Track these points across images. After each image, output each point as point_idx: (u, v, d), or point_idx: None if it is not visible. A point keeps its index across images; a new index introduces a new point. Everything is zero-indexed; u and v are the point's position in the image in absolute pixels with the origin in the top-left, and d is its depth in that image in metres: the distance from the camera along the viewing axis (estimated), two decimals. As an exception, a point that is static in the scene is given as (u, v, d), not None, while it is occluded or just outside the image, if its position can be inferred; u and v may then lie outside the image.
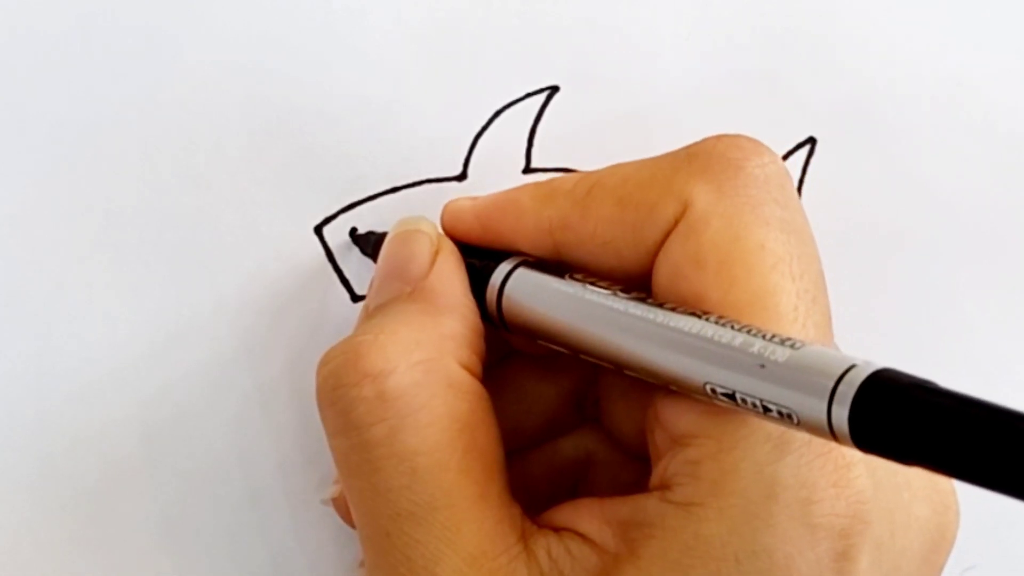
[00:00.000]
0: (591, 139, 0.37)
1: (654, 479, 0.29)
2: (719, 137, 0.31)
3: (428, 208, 0.36)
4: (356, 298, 0.35)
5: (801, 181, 0.38)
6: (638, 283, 0.30)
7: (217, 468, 0.35)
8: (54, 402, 0.34)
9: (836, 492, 0.27)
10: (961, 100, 0.38)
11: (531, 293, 0.30)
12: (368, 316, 0.32)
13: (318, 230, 0.35)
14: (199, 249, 0.35)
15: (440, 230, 0.33)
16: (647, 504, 0.28)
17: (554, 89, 0.37)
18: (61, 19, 0.34)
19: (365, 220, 0.35)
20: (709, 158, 0.30)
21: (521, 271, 0.31)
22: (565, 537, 0.29)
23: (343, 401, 0.29)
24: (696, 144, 0.31)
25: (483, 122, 0.36)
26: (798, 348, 0.26)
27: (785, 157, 0.37)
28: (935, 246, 0.38)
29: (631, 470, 0.32)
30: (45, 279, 0.34)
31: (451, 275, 0.31)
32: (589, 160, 0.37)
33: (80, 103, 0.34)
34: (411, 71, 0.36)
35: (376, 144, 0.36)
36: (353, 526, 0.32)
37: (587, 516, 0.29)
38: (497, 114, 0.36)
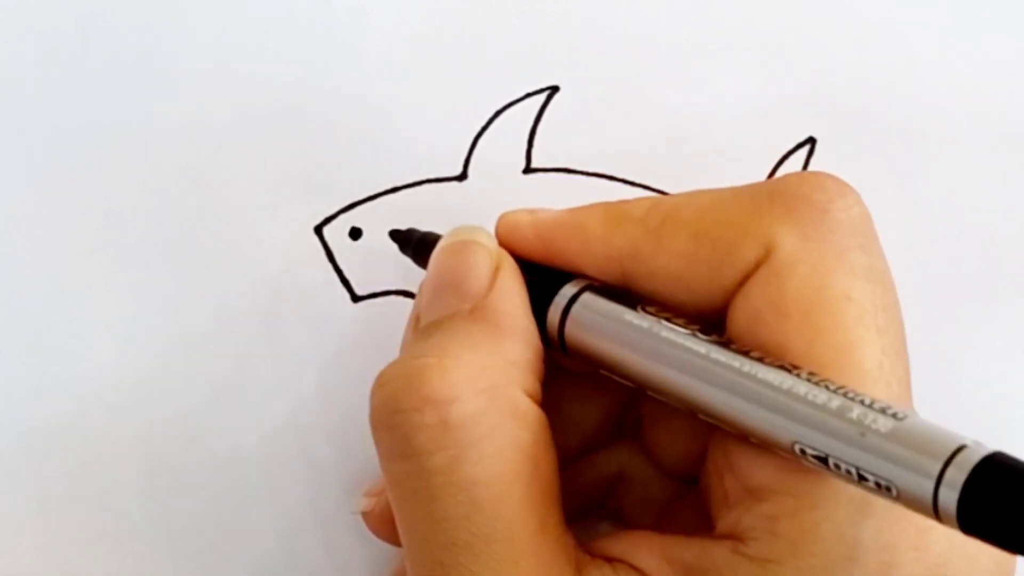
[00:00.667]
0: (591, 139, 0.37)
1: (723, 526, 0.28)
2: (803, 176, 0.30)
3: (428, 208, 0.36)
4: (356, 298, 0.36)
5: (801, 181, 0.38)
6: (709, 321, 0.29)
7: (216, 468, 0.35)
8: (54, 402, 0.34)
9: (916, 556, 0.27)
10: (961, 100, 0.38)
11: (599, 322, 0.29)
12: (424, 333, 0.30)
13: (318, 230, 0.35)
14: (199, 249, 0.35)
15: (497, 242, 0.31)
16: (716, 552, 0.28)
17: (554, 89, 0.37)
18: (62, 20, 0.34)
19: (365, 220, 0.35)
20: (793, 199, 0.29)
21: (588, 296, 0.29)
22: (620, 570, 0.28)
23: (403, 427, 0.28)
24: (778, 181, 0.30)
25: (483, 122, 0.36)
26: (901, 419, 0.25)
27: (785, 157, 0.37)
28: (935, 246, 0.38)
29: (663, 487, 0.32)
30: (45, 279, 0.34)
31: (513, 294, 0.30)
32: (589, 160, 0.37)
33: (80, 103, 0.34)
34: (411, 71, 0.36)
35: (376, 144, 0.36)
36: (385, 540, 0.31)
37: (645, 551, 0.29)
38: (497, 114, 0.36)
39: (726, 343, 0.28)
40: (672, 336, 0.28)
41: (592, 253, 0.30)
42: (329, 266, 0.35)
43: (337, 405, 0.35)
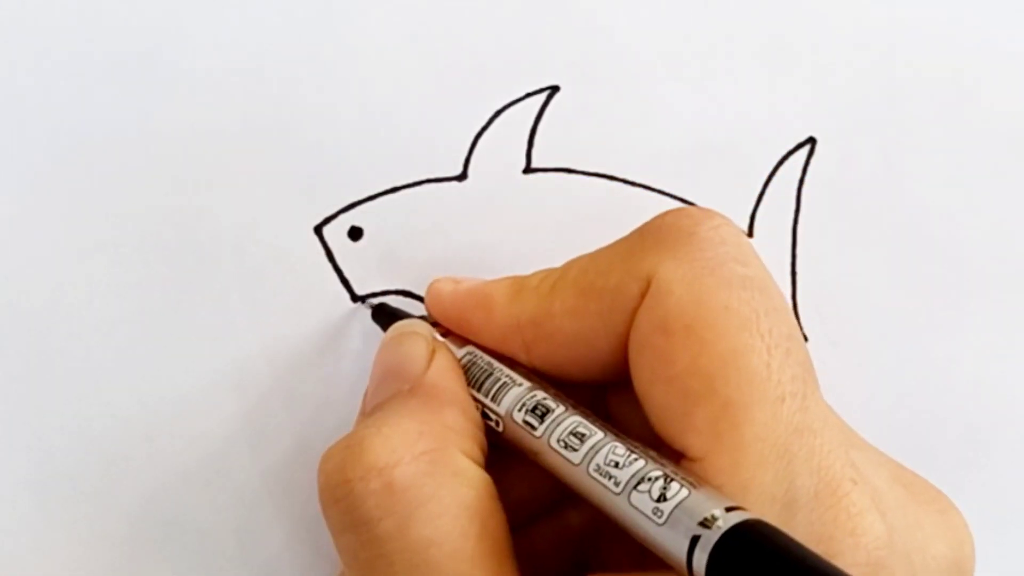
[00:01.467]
0: (591, 139, 0.37)
1: None
2: (667, 211, 0.31)
3: (428, 208, 0.36)
4: (356, 298, 0.36)
5: (801, 181, 0.38)
6: (615, 370, 0.30)
7: (215, 468, 0.35)
8: (54, 402, 0.34)
9: (854, 541, 0.27)
10: (961, 100, 0.38)
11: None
12: (366, 415, 0.31)
13: (318, 230, 0.35)
14: (199, 249, 0.35)
15: (435, 333, 0.33)
16: None
17: (554, 89, 0.37)
18: (62, 19, 0.34)
19: (365, 220, 0.35)
20: (660, 231, 0.30)
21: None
22: None
23: (350, 497, 0.28)
24: (645, 224, 0.31)
25: (483, 122, 0.36)
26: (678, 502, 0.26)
27: (785, 157, 0.38)
28: (935, 246, 0.38)
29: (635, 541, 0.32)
30: (45, 279, 0.34)
31: (448, 371, 0.31)
32: (589, 160, 0.37)
33: (80, 103, 0.34)
34: (411, 71, 0.36)
35: (376, 144, 0.36)
36: None
37: None
38: (497, 114, 0.36)
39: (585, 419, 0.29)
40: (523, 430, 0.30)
41: (495, 324, 0.32)
42: (329, 266, 0.35)
43: (337, 405, 0.35)
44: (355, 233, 0.36)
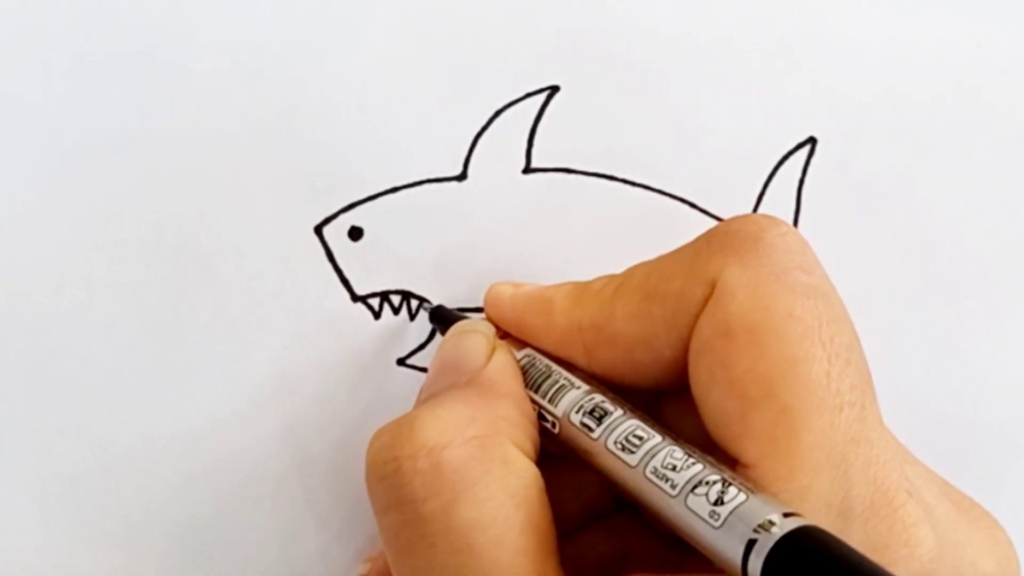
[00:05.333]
0: (591, 139, 0.37)
1: None
2: (733, 218, 0.31)
3: (428, 208, 0.36)
4: (356, 298, 0.36)
5: (801, 181, 0.38)
6: (674, 376, 0.30)
7: (215, 468, 0.35)
8: (54, 402, 0.34)
9: (909, 552, 0.27)
10: (961, 100, 0.38)
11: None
12: (420, 403, 0.31)
13: (318, 230, 0.35)
14: (199, 249, 0.35)
15: (495, 332, 0.33)
16: None
17: (554, 89, 0.37)
18: (62, 19, 0.34)
19: (365, 220, 0.36)
20: (726, 237, 0.30)
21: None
22: None
23: (397, 475, 0.28)
24: (711, 229, 0.31)
25: (483, 122, 0.36)
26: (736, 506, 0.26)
27: (785, 157, 0.38)
28: (935, 245, 0.38)
29: (669, 559, 0.32)
30: (46, 279, 0.34)
31: (506, 369, 0.31)
32: (589, 160, 0.37)
33: (80, 103, 0.34)
34: (411, 71, 0.36)
35: (376, 144, 0.36)
36: None
37: None
38: (497, 114, 0.36)
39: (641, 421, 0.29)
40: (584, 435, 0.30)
41: (555, 328, 0.32)
42: (329, 266, 0.35)
43: (336, 405, 0.35)
44: (355, 233, 0.36)
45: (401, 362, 0.36)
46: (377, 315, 0.36)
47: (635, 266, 0.32)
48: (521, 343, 0.33)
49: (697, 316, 0.29)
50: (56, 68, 0.34)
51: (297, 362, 0.35)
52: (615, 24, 0.37)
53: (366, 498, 0.34)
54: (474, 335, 0.32)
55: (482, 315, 0.34)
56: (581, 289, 0.32)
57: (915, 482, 0.29)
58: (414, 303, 0.36)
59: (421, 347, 0.36)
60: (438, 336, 0.36)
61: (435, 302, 0.36)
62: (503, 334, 0.33)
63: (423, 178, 0.36)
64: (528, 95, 0.36)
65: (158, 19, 0.35)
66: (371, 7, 0.36)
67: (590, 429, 0.30)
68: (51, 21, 0.34)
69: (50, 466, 0.34)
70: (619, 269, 0.32)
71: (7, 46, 0.34)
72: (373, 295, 0.36)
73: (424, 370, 0.36)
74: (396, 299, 0.36)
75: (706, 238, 0.31)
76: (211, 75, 0.35)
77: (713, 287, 0.29)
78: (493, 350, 0.32)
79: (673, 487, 0.27)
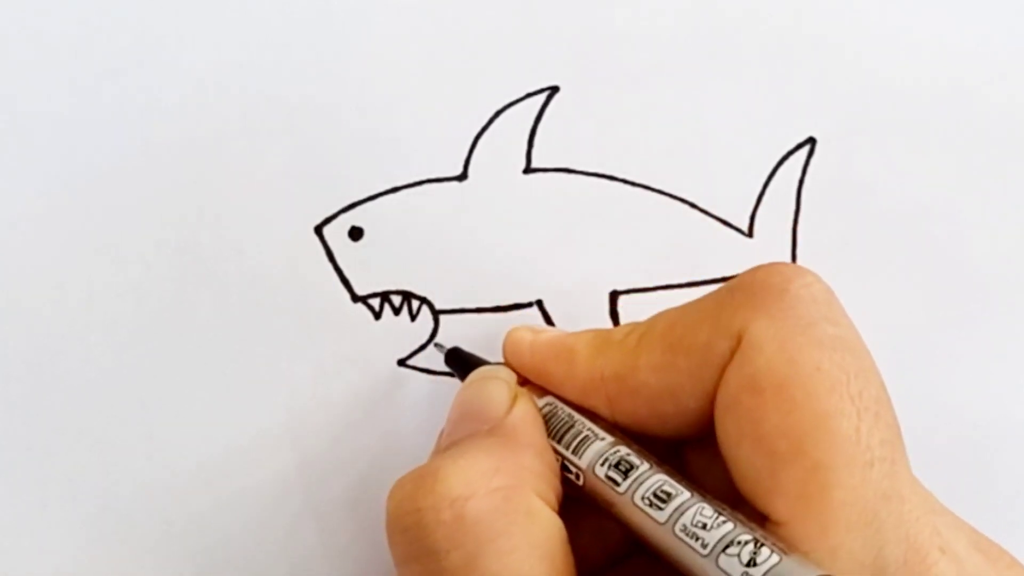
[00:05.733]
0: (591, 139, 0.37)
1: None
2: (758, 267, 0.30)
3: (428, 208, 0.36)
4: (356, 298, 0.36)
5: (801, 181, 0.38)
6: (698, 427, 0.30)
7: (215, 468, 0.35)
8: (55, 402, 0.34)
9: None
10: (961, 100, 0.38)
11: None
12: (441, 451, 0.31)
13: (318, 230, 0.35)
14: (199, 249, 0.35)
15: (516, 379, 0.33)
16: None
17: (554, 89, 0.37)
18: (62, 19, 0.34)
19: (365, 220, 0.35)
20: (752, 288, 0.30)
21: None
22: None
23: (419, 526, 0.28)
24: (737, 278, 0.30)
25: (483, 122, 0.36)
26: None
27: (785, 157, 0.38)
28: (935, 245, 0.38)
29: None
30: (46, 279, 0.34)
31: (529, 418, 0.31)
32: (589, 160, 0.37)
33: (81, 103, 0.34)
34: (411, 71, 0.36)
35: (376, 144, 0.36)
36: None
37: None
38: (497, 114, 0.36)
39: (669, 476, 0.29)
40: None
41: (577, 377, 0.31)
42: (329, 266, 0.35)
43: (336, 405, 0.35)
44: (355, 233, 0.36)
45: (402, 362, 0.36)
46: (377, 315, 0.36)
47: (658, 315, 0.31)
48: (542, 390, 0.32)
49: (723, 369, 0.29)
50: (55, 69, 0.34)
51: (297, 362, 0.35)
52: (615, 24, 0.37)
53: (365, 496, 0.34)
54: (496, 382, 0.32)
55: (501, 361, 0.34)
56: (603, 338, 0.32)
57: (945, 535, 0.28)
58: (414, 303, 0.36)
59: (421, 348, 0.36)
60: (439, 336, 0.36)
61: (435, 302, 0.36)
62: (523, 380, 0.33)
63: (423, 178, 0.36)
64: (528, 95, 0.36)
65: (158, 20, 0.35)
66: (371, 7, 0.36)
67: (616, 483, 0.29)
68: (51, 23, 0.34)
69: (50, 466, 0.34)
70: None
71: (6, 47, 0.34)
72: (373, 295, 0.36)
73: (424, 371, 0.36)
74: (396, 299, 0.36)
75: (730, 289, 0.30)
76: (211, 75, 0.35)
77: (739, 340, 0.29)
78: (515, 398, 0.31)
79: (704, 546, 0.27)
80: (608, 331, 0.32)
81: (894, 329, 0.38)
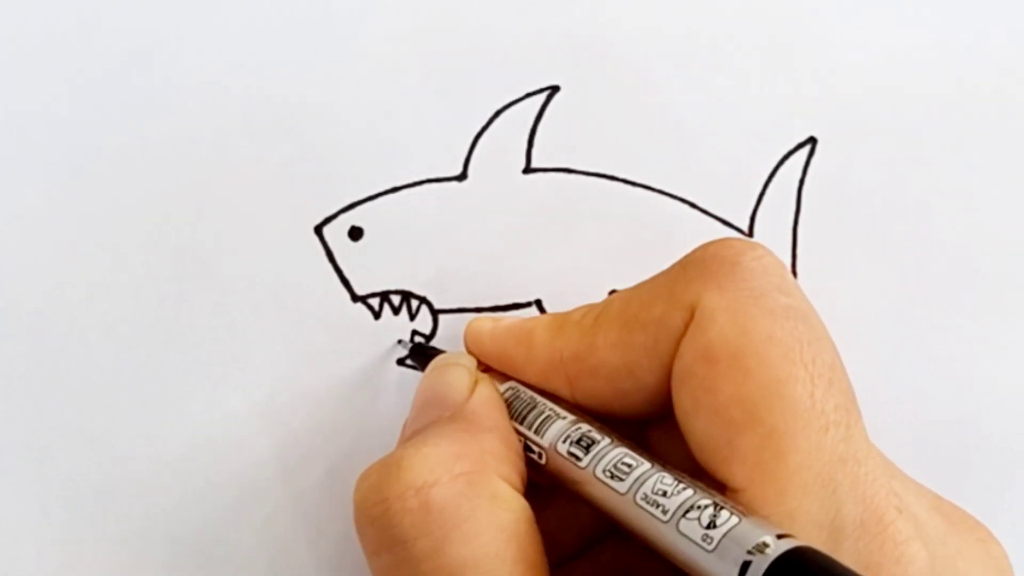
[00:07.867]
0: (591, 139, 0.37)
1: None
2: (709, 242, 0.31)
3: (428, 208, 0.36)
4: (356, 298, 0.36)
5: (801, 181, 0.38)
6: (658, 404, 0.30)
7: (215, 468, 0.35)
8: (55, 402, 0.34)
9: (901, 570, 0.27)
10: (961, 100, 0.38)
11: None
12: (404, 440, 0.31)
13: (318, 230, 0.35)
14: (199, 249, 0.35)
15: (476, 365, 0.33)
16: None
17: (554, 89, 0.37)
18: (62, 19, 0.34)
19: (365, 220, 0.36)
20: (703, 262, 0.30)
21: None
22: None
23: (386, 516, 0.28)
24: (687, 255, 0.31)
25: (483, 122, 0.36)
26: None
27: (785, 157, 0.38)
28: (935, 245, 0.38)
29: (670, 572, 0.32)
30: (46, 279, 0.34)
31: (490, 402, 0.31)
32: (589, 160, 0.37)
33: (81, 103, 0.34)
34: (411, 71, 0.36)
35: (376, 144, 0.36)
36: None
37: None
38: (497, 114, 0.36)
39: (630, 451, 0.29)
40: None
41: (537, 359, 0.32)
42: (329, 266, 0.35)
43: (336, 405, 0.35)
44: (355, 233, 0.36)
45: (401, 362, 0.36)
46: (377, 315, 0.36)
47: (614, 295, 0.32)
48: (504, 376, 0.33)
49: (678, 342, 0.29)
50: (55, 69, 0.34)
51: (297, 362, 0.35)
52: (615, 25, 0.37)
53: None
54: (455, 368, 0.32)
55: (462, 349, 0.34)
56: (561, 320, 0.32)
57: (904, 498, 0.29)
58: (414, 303, 0.36)
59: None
60: (438, 336, 0.36)
61: (434, 302, 0.36)
62: (485, 368, 0.33)
63: (423, 178, 0.36)
64: (528, 95, 0.36)
65: (158, 21, 0.35)
66: (371, 7, 0.36)
67: (577, 458, 0.30)
68: (52, 25, 0.34)
69: (50, 466, 0.34)
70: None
71: (7, 45, 0.34)
72: (373, 295, 0.36)
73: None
74: (396, 299, 0.36)
75: (683, 264, 0.31)
76: (211, 76, 0.35)
77: (692, 313, 0.29)
78: (475, 383, 0.31)
79: (664, 512, 0.27)
80: (566, 313, 0.32)
81: (894, 328, 0.38)
